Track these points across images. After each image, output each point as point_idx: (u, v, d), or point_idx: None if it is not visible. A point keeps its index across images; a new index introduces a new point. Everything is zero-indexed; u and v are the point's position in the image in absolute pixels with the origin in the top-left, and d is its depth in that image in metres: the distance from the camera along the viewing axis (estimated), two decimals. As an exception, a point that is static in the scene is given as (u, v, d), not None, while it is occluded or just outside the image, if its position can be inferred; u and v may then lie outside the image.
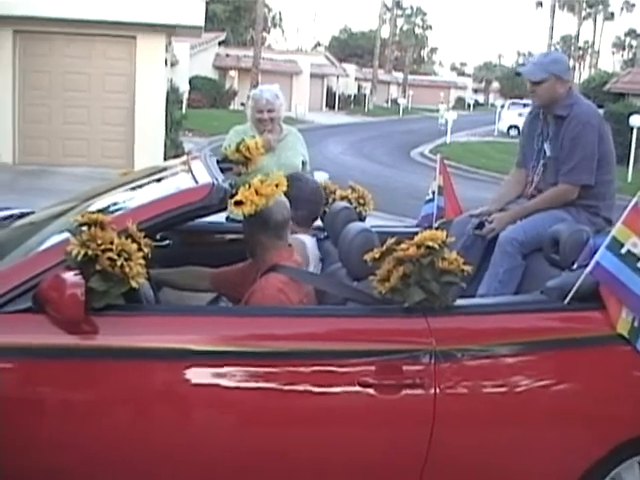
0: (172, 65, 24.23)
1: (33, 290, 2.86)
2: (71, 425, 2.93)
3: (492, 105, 64.45)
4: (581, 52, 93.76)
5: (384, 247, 3.15)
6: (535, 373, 3.16)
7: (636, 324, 3.19)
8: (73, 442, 2.94)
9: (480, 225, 4.38)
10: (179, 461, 2.99)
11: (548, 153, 4.42)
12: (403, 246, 3.07)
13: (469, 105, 73.46)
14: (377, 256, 3.14)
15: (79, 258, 2.82)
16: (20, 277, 2.92)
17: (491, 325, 3.21)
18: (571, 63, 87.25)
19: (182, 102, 26.67)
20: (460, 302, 3.24)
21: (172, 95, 17.80)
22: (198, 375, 2.97)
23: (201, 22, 15.42)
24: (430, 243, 3.03)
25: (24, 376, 2.90)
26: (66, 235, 3.02)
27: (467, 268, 3.12)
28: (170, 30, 15.70)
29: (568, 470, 3.21)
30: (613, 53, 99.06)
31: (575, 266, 3.47)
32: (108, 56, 15.44)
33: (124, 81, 15.45)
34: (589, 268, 3.23)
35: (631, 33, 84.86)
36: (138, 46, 15.23)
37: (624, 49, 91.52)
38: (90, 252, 2.81)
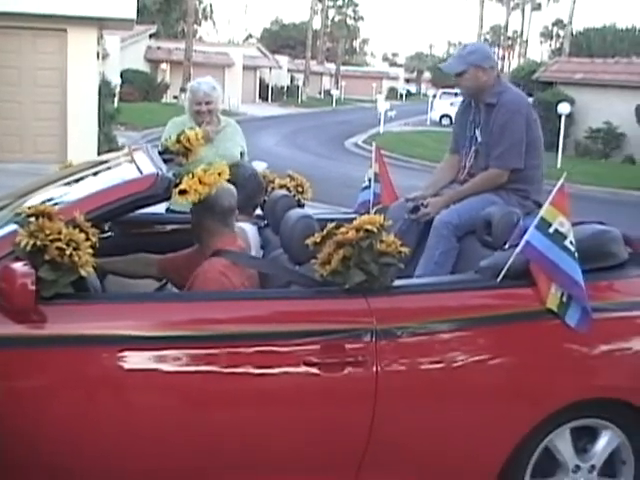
0: (103, 58, 23.95)
1: None
2: (23, 411, 2.98)
3: (424, 95, 65.07)
4: (510, 42, 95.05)
5: (324, 231, 3.27)
6: (471, 349, 3.31)
7: (564, 299, 3.36)
8: (23, 428, 2.99)
9: (415, 209, 4.53)
10: (125, 443, 3.08)
11: (479, 139, 4.59)
12: (343, 230, 3.20)
13: (401, 95, 73.99)
14: (318, 240, 3.27)
15: (28, 248, 2.88)
16: None
17: (428, 304, 3.37)
18: (501, 53, 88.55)
19: (114, 95, 26.38)
20: (398, 282, 3.37)
21: (104, 89, 17.62)
22: (146, 360, 3.05)
23: (133, 14, 15.29)
24: (369, 227, 3.16)
25: None
26: (13, 227, 3.06)
27: (404, 250, 3.26)
28: (101, 23, 15.53)
29: (504, 440, 3.38)
30: (541, 42, 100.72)
31: (507, 246, 3.63)
32: (38, 50, 15.22)
33: (55, 75, 15.26)
34: (519, 247, 3.40)
35: (558, 23, 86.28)
36: (69, 39, 15.03)
37: (552, 38, 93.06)
38: (39, 242, 2.87)
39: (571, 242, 3.36)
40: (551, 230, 3.37)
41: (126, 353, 3.01)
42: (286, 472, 3.24)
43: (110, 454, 3.09)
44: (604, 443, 3.55)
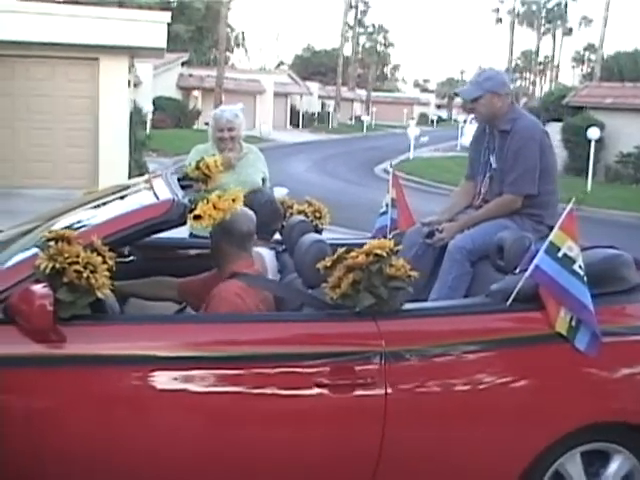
0: (135, 86, 24.33)
1: (4, 302, 3.03)
2: (41, 431, 3.07)
3: (455, 120, 65.04)
4: (541, 66, 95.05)
5: (335, 256, 3.35)
6: (480, 371, 3.36)
7: (573, 323, 3.41)
8: (43, 447, 3.09)
9: (430, 234, 4.60)
10: (139, 462, 3.16)
11: (494, 165, 4.66)
12: (353, 254, 3.27)
13: (432, 121, 74.08)
14: (329, 264, 3.34)
15: (47, 271, 2.99)
16: None
17: (438, 327, 3.43)
18: (532, 77, 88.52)
19: (146, 123, 26.76)
20: (408, 306, 3.44)
21: (136, 116, 17.92)
22: (161, 380, 3.14)
23: (163, 43, 15.56)
24: (378, 251, 3.24)
25: None
26: (34, 250, 3.18)
27: (414, 274, 3.32)
28: (132, 51, 15.84)
29: (514, 462, 3.42)
30: (573, 67, 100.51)
31: (517, 270, 3.68)
32: (71, 78, 15.53)
33: (87, 103, 15.54)
34: (529, 271, 3.45)
35: (590, 48, 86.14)
36: (101, 68, 15.33)
37: (583, 63, 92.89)
38: (58, 265, 2.98)
39: (580, 266, 3.41)
40: (560, 254, 3.42)
41: (141, 373, 3.10)
42: None
43: (123, 472, 3.17)
44: (615, 467, 3.57)
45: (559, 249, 3.42)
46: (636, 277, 3.72)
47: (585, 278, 3.40)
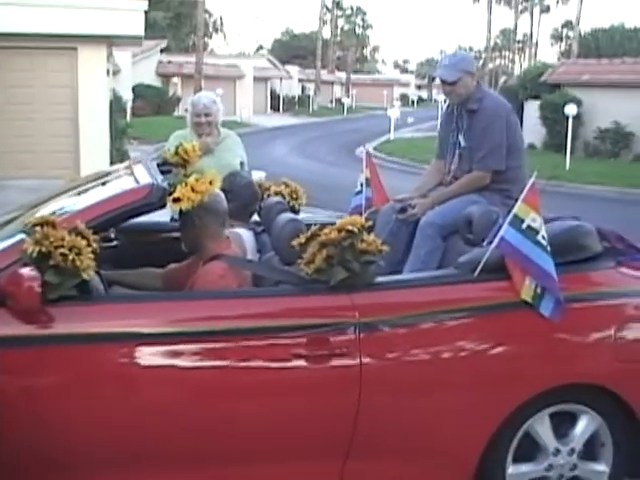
0: (114, 74, 24.36)
1: None
2: (32, 409, 3.21)
3: (435, 101, 65.10)
4: (520, 45, 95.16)
5: (309, 233, 3.51)
6: (450, 340, 3.52)
7: (538, 291, 3.57)
8: (34, 425, 3.22)
9: (403, 210, 4.76)
10: (130, 436, 3.31)
11: (463, 144, 4.83)
12: (326, 231, 3.43)
13: (412, 101, 74.17)
14: (303, 241, 3.50)
15: (34, 255, 3.13)
16: None
17: (409, 298, 3.59)
18: (510, 56, 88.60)
19: (126, 111, 26.74)
20: (380, 279, 3.60)
21: (116, 104, 17.97)
22: (146, 356, 3.28)
23: (141, 31, 15.57)
24: (350, 227, 3.40)
25: None
26: (21, 236, 3.31)
27: (384, 248, 3.48)
28: (110, 40, 15.85)
29: (485, 425, 3.58)
30: (552, 45, 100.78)
31: (485, 243, 3.85)
32: (50, 68, 15.53)
33: (67, 92, 15.55)
34: (495, 243, 3.61)
35: (567, 25, 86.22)
36: (79, 57, 15.34)
37: (561, 40, 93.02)
38: (44, 249, 3.12)
39: (543, 237, 3.57)
40: (524, 226, 3.58)
41: (126, 350, 3.25)
42: (275, 460, 3.45)
43: (111, 448, 3.32)
44: (583, 427, 3.74)
45: (523, 221, 3.58)
46: (597, 246, 3.89)
47: (548, 248, 3.56)
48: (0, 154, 15.53)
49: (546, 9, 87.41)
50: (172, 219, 5.50)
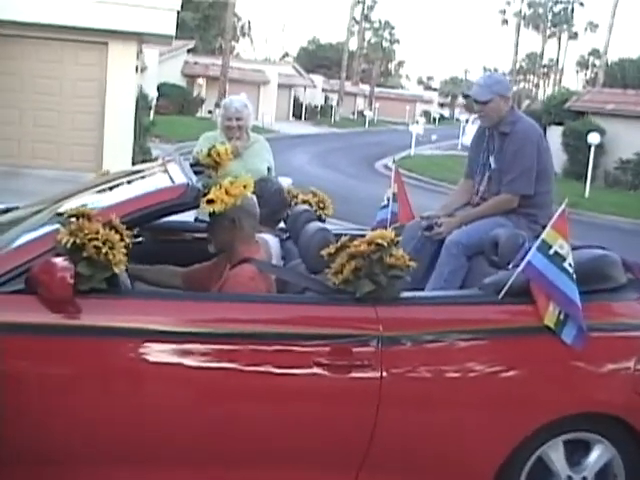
0: (141, 71, 24.42)
1: (26, 273, 3.20)
2: (54, 396, 3.26)
3: (457, 120, 65.19)
4: (545, 69, 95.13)
5: (339, 244, 3.54)
6: (470, 359, 3.54)
7: (562, 317, 3.58)
8: (58, 412, 3.27)
9: (429, 228, 4.78)
10: (143, 430, 3.34)
11: (493, 166, 4.84)
12: (355, 243, 3.46)
13: (434, 119, 74.19)
14: (332, 251, 3.53)
15: (68, 246, 3.17)
16: (14, 262, 3.27)
17: (433, 315, 3.60)
18: (535, 80, 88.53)
19: (150, 108, 26.86)
20: (406, 294, 3.62)
21: (141, 101, 18.02)
22: (170, 354, 3.32)
23: (172, 31, 15.67)
24: (380, 241, 3.43)
25: (16, 352, 3.21)
26: (56, 226, 3.36)
27: (412, 264, 3.51)
28: (141, 38, 15.97)
29: (500, 447, 3.59)
30: (577, 72, 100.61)
31: (510, 266, 3.87)
32: (79, 62, 15.65)
33: (95, 86, 15.66)
34: (521, 267, 3.63)
35: (594, 53, 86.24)
36: (109, 52, 15.46)
37: (587, 68, 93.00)
38: (78, 240, 3.17)
39: (570, 264, 3.58)
40: (551, 252, 3.59)
41: (150, 346, 3.29)
42: (289, 467, 3.47)
43: (127, 441, 3.35)
44: (596, 456, 3.73)
45: (551, 247, 3.60)
46: (622, 277, 3.90)
47: (574, 275, 3.57)
48: (23, 142, 15.69)
49: (574, 36, 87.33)
50: (196, 219, 5.55)
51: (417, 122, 39.89)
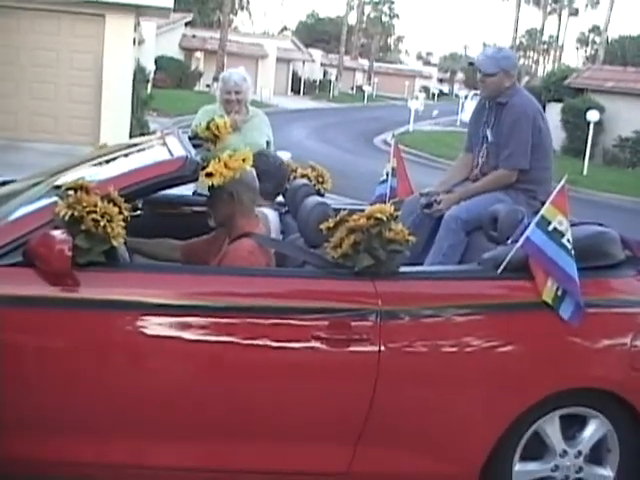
0: (139, 44, 24.30)
1: (24, 246, 3.20)
2: (56, 368, 3.27)
3: (456, 95, 64.99)
4: (545, 46, 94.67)
5: (338, 218, 3.53)
6: (468, 334, 3.54)
7: (559, 293, 3.58)
8: (56, 384, 3.28)
9: (428, 205, 4.78)
10: (140, 402, 3.35)
11: (490, 139, 4.83)
12: (354, 217, 3.45)
13: (433, 95, 73.95)
14: (331, 225, 3.53)
15: (66, 218, 3.16)
16: (12, 234, 3.26)
17: (431, 290, 3.61)
18: (535, 56, 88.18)
19: (148, 82, 26.76)
20: (404, 269, 3.62)
21: (139, 75, 17.97)
22: (167, 326, 3.32)
23: (170, 3, 15.61)
24: (379, 215, 3.42)
25: (15, 325, 3.21)
26: (54, 198, 3.35)
27: (411, 238, 3.50)
28: (139, 10, 15.86)
29: (496, 422, 3.60)
30: (577, 48, 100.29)
31: (509, 241, 3.87)
32: (76, 34, 15.54)
33: (92, 59, 15.57)
34: (520, 242, 3.63)
35: (595, 29, 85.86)
36: (107, 25, 15.34)
37: (587, 45, 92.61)
38: (76, 213, 3.16)
39: (568, 240, 3.58)
40: (550, 228, 3.58)
41: (148, 319, 3.29)
42: (287, 440, 3.48)
43: (128, 413, 3.36)
44: (591, 431, 3.75)
45: (550, 223, 3.59)
46: (620, 254, 3.90)
47: (573, 251, 3.57)
48: (20, 115, 15.63)
49: (575, 12, 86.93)
50: (194, 193, 5.54)
51: (417, 98, 39.87)
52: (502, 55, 4.86)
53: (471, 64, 5.08)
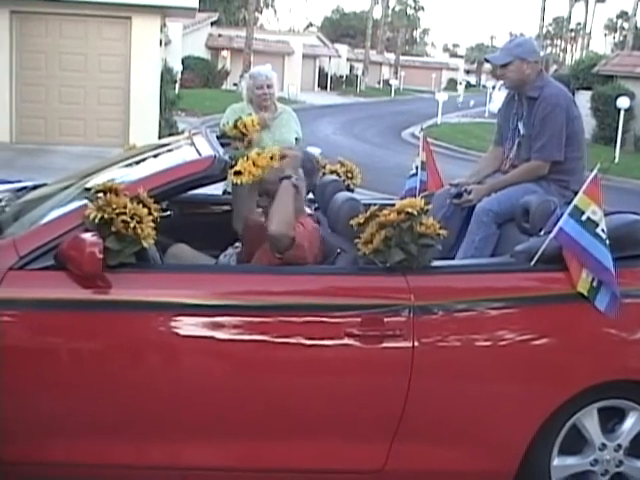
0: (165, 45, 24.38)
1: (55, 250, 3.22)
2: (89, 371, 3.28)
3: (483, 86, 64.61)
4: (573, 34, 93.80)
5: (368, 213, 3.50)
6: (503, 327, 3.50)
7: (595, 284, 3.53)
8: (90, 386, 3.29)
9: (458, 195, 4.74)
10: (174, 403, 3.35)
11: (522, 132, 4.78)
12: (385, 212, 3.42)
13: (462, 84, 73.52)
14: (362, 221, 3.50)
15: (96, 221, 3.17)
16: (43, 238, 3.28)
17: (464, 284, 3.57)
18: (563, 45, 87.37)
19: (175, 82, 26.83)
20: (436, 263, 3.59)
21: (166, 75, 17.98)
22: (199, 327, 3.32)
23: (195, 3, 15.67)
24: (409, 209, 3.39)
25: (47, 328, 3.24)
26: (84, 201, 3.36)
27: (443, 232, 3.47)
28: (164, 11, 15.93)
29: (533, 416, 3.56)
30: (605, 35, 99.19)
31: (542, 233, 3.82)
32: (103, 37, 15.66)
33: (119, 61, 15.68)
34: (553, 233, 3.58)
35: (622, 15, 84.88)
36: (133, 27, 15.44)
37: (615, 31, 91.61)
38: (106, 215, 3.17)
39: (602, 230, 3.52)
40: (584, 218, 3.53)
41: (181, 318, 3.29)
42: (322, 439, 3.46)
43: (162, 413, 3.37)
44: (631, 424, 3.69)
45: (583, 213, 3.54)
46: (656, 242, 3.83)
47: (607, 241, 3.52)
48: (49, 120, 15.76)
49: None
50: (224, 192, 5.55)
51: (445, 89, 39.78)
52: (514, 44, 4.83)
53: (487, 61, 5.06)
